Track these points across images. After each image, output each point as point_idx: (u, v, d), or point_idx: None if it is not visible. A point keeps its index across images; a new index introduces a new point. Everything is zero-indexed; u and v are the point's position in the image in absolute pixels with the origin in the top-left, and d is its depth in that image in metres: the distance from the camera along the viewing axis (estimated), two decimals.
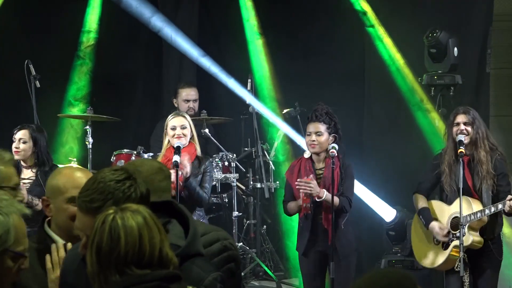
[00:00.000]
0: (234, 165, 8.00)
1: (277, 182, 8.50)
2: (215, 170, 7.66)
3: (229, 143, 8.52)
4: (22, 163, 6.81)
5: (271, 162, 8.45)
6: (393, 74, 8.90)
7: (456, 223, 6.25)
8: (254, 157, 8.47)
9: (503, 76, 8.58)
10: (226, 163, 8.01)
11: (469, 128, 6.32)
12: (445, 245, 6.37)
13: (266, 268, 8.04)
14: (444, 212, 6.40)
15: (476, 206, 6.19)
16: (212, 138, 8.07)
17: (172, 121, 6.87)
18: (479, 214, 6.15)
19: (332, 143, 6.28)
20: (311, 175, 6.27)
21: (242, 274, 7.52)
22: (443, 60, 7.64)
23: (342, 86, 9.07)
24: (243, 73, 8.82)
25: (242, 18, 9.53)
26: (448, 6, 8.74)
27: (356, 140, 8.82)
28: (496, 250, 6.32)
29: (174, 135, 6.78)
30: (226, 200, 8.26)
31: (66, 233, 3.40)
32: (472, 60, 8.55)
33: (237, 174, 8.04)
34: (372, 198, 8.15)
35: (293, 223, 8.54)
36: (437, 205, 6.49)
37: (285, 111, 8.92)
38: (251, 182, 8.41)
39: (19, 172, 6.81)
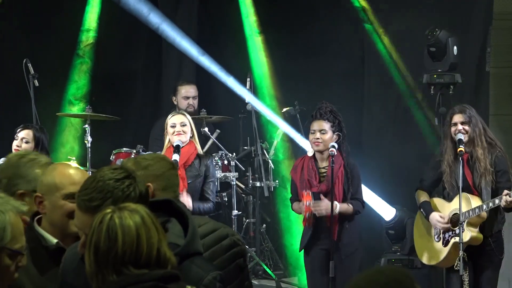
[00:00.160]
0: (234, 164, 8.00)
1: (277, 181, 8.50)
2: (215, 167, 7.66)
3: (228, 142, 8.51)
4: None
5: (270, 161, 8.45)
6: (391, 71, 8.90)
7: (456, 219, 6.26)
8: (253, 156, 8.47)
9: (503, 75, 8.58)
10: (226, 162, 8.02)
11: (466, 127, 6.34)
12: (445, 242, 6.38)
13: (265, 267, 8.04)
14: (445, 208, 6.42)
15: (475, 202, 6.21)
16: (211, 136, 8.07)
17: (172, 119, 6.88)
18: (477, 210, 6.16)
19: (336, 141, 6.29)
20: (309, 191, 6.27)
21: None
22: (442, 59, 7.62)
23: (342, 85, 9.07)
24: (243, 72, 8.82)
25: (241, 16, 9.53)
26: (448, 5, 8.74)
27: (356, 139, 8.81)
28: (496, 248, 6.32)
29: (173, 132, 6.78)
30: (226, 199, 8.26)
31: (60, 231, 3.36)
32: (471, 59, 8.55)
33: (237, 173, 8.04)
34: (371, 197, 8.15)
35: (292, 221, 8.55)
36: (438, 202, 6.51)
37: (284, 109, 8.91)
38: (251, 181, 8.41)
39: None
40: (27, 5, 9.20)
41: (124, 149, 7.81)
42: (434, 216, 6.41)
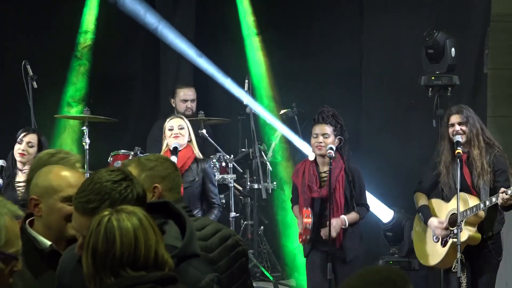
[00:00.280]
0: (232, 166, 8.00)
1: (275, 183, 8.50)
2: (213, 169, 7.66)
3: (226, 144, 8.51)
4: (19, 165, 6.82)
5: (268, 163, 8.44)
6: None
7: (454, 219, 6.26)
8: (251, 158, 8.46)
9: (501, 77, 8.59)
10: (224, 164, 8.02)
11: (464, 128, 6.34)
12: (444, 243, 6.38)
13: (263, 269, 8.04)
14: (443, 209, 6.42)
15: (473, 202, 6.21)
16: (210, 139, 8.07)
17: (170, 122, 6.91)
18: (474, 209, 6.16)
19: (338, 145, 6.30)
20: (309, 209, 6.29)
21: None
22: (440, 61, 7.63)
23: (340, 86, 9.07)
24: (241, 74, 8.82)
25: (239, 18, 9.53)
26: (446, 6, 8.74)
27: (354, 140, 8.79)
28: (495, 250, 6.31)
29: (171, 135, 6.81)
30: (224, 201, 8.25)
31: (57, 234, 3.34)
32: (469, 61, 8.55)
33: (235, 175, 8.05)
34: (369, 199, 8.13)
35: (290, 224, 8.54)
36: (437, 203, 6.51)
37: (282, 111, 8.91)
38: (248, 183, 8.41)
39: (13, 175, 6.81)
40: (25, 7, 9.19)
41: (122, 151, 7.80)
42: (433, 222, 6.40)
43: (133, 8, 8.94)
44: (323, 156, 6.35)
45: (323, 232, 6.24)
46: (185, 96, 8.66)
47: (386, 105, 9.05)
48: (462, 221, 6.19)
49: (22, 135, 6.81)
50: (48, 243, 3.32)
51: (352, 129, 8.77)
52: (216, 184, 7.05)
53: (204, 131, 8.05)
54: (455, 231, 6.19)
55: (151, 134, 8.42)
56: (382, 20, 9.03)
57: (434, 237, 6.46)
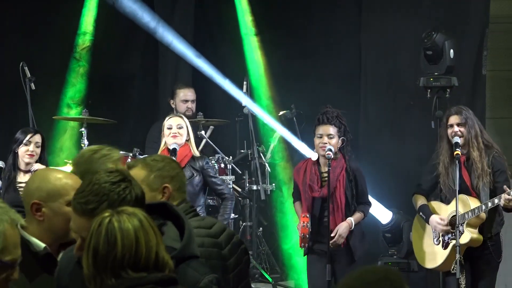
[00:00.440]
0: (230, 167, 8.00)
1: (273, 184, 8.50)
2: (211, 166, 7.66)
3: (225, 145, 8.51)
4: (22, 166, 6.83)
5: (267, 164, 8.45)
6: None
7: (454, 221, 6.25)
8: (250, 159, 8.46)
9: (499, 78, 8.59)
10: (222, 165, 8.02)
11: (462, 129, 6.34)
12: (445, 245, 6.37)
13: (262, 270, 8.04)
14: (443, 211, 6.42)
15: (474, 203, 6.21)
16: (208, 140, 8.07)
17: (169, 121, 6.94)
18: (476, 211, 6.16)
19: (341, 146, 6.31)
20: (307, 214, 6.34)
21: None
22: (439, 62, 7.63)
23: (339, 87, 9.06)
24: (239, 75, 8.82)
25: (238, 18, 9.53)
26: (444, 8, 8.74)
27: (352, 141, 8.79)
28: (495, 251, 6.31)
29: (169, 134, 6.83)
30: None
31: (60, 238, 3.31)
32: (468, 62, 8.55)
33: (233, 176, 8.05)
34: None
35: (289, 225, 8.54)
36: (436, 206, 6.51)
37: (281, 113, 8.91)
38: (247, 184, 8.41)
39: (13, 176, 6.82)
40: (23, 8, 9.18)
41: (121, 152, 7.77)
42: (434, 218, 6.40)
43: (132, 9, 8.94)
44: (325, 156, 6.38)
45: (333, 244, 6.26)
46: (185, 96, 8.67)
47: (384, 106, 9.05)
48: (463, 223, 6.19)
49: (29, 136, 6.83)
50: (42, 245, 3.27)
51: (351, 130, 8.72)
52: (219, 178, 7.12)
53: (203, 132, 8.06)
54: (456, 233, 6.19)
55: (150, 135, 8.43)
56: (381, 21, 9.03)
57: (435, 239, 6.45)
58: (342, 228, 6.28)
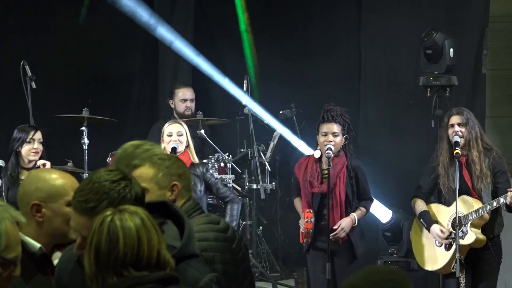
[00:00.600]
0: (230, 166, 8.00)
1: (273, 183, 8.50)
2: (211, 171, 7.67)
3: (225, 144, 8.51)
4: (25, 165, 6.85)
5: (267, 163, 8.45)
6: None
7: (457, 222, 6.24)
8: (250, 158, 8.46)
9: (499, 77, 8.60)
10: (222, 164, 8.02)
11: (463, 129, 6.35)
12: (448, 246, 6.37)
13: (262, 269, 8.04)
14: (444, 214, 6.41)
15: (477, 204, 6.21)
16: (208, 139, 8.08)
17: (169, 127, 6.94)
18: (481, 211, 6.16)
19: (344, 144, 6.33)
20: (311, 210, 6.34)
21: None
22: (439, 61, 7.63)
23: (338, 86, 9.07)
24: (239, 74, 8.82)
25: (237, 18, 9.53)
26: (444, 7, 8.74)
27: (352, 140, 8.81)
28: (495, 252, 6.32)
29: (170, 141, 6.86)
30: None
31: (57, 238, 3.30)
32: (468, 61, 8.55)
33: (233, 175, 8.05)
34: None
35: (289, 224, 8.54)
36: (436, 208, 6.49)
37: (281, 112, 8.91)
38: (247, 183, 8.41)
39: (17, 174, 6.83)
40: (24, 7, 9.19)
41: None
42: (435, 230, 6.38)
43: (132, 8, 8.94)
44: None
45: (333, 237, 6.27)
46: (184, 95, 8.68)
47: (384, 105, 9.05)
48: (467, 223, 6.19)
49: (31, 134, 6.84)
50: (38, 245, 3.26)
51: None
52: (219, 182, 7.13)
53: (202, 131, 8.06)
54: (458, 234, 6.19)
55: (150, 136, 8.43)
56: (381, 20, 9.04)
57: (437, 241, 6.44)
58: (346, 223, 6.30)
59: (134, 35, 9.57)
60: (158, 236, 2.63)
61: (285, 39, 9.45)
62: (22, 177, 6.80)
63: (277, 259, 8.52)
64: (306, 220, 6.32)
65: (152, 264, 2.59)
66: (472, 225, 6.22)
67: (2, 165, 6.89)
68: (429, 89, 7.62)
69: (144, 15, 8.97)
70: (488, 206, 6.15)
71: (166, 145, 6.88)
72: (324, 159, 6.43)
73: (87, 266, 2.60)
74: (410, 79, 8.29)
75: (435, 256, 6.46)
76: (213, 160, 7.88)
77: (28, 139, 6.83)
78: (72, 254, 3.03)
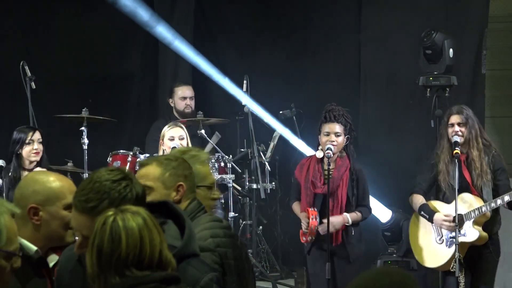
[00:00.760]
0: (230, 166, 8.00)
1: (273, 183, 8.51)
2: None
3: (225, 144, 8.52)
4: (27, 165, 6.85)
5: (267, 163, 8.45)
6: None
7: (460, 219, 6.24)
8: (250, 158, 8.47)
9: (499, 77, 8.60)
10: (222, 164, 8.02)
11: (463, 129, 6.36)
12: (449, 244, 6.37)
13: (262, 269, 8.04)
14: (445, 211, 6.40)
15: (477, 202, 6.22)
16: (208, 139, 8.08)
17: (170, 131, 6.94)
18: (484, 209, 6.17)
19: (345, 144, 6.32)
20: (314, 208, 6.32)
21: None
22: (438, 61, 7.64)
23: (338, 86, 9.07)
24: (239, 74, 8.82)
25: (237, 17, 9.53)
26: (444, 7, 8.75)
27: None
28: (494, 250, 6.34)
29: (171, 146, 6.88)
30: (222, 201, 8.26)
31: (53, 241, 3.29)
32: (467, 61, 8.56)
33: (233, 175, 8.05)
34: None
35: (289, 224, 8.54)
36: (437, 205, 6.50)
37: (281, 112, 8.92)
38: (247, 183, 8.41)
39: (19, 175, 6.83)
40: (24, 7, 9.19)
41: (121, 151, 7.80)
42: (439, 216, 6.38)
43: (132, 8, 8.94)
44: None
45: (321, 229, 6.26)
46: (184, 93, 8.70)
47: (384, 105, 9.05)
48: (470, 220, 6.21)
49: (30, 135, 6.84)
50: (34, 248, 3.22)
51: None
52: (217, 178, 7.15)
53: (203, 131, 8.07)
54: (461, 232, 6.20)
55: (150, 134, 8.44)
56: (380, 20, 9.04)
57: (438, 238, 6.45)
58: (336, 217, 6.26)
59: (134, 35, 9.57)
60: (160, 236, 2.64)
61: (285, 39, 9.45)
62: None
63: (277, 258, 8.53)
64: (311, 218, 6.29)
65: (154, 264, 2.60)
66: (474, 223, 6.24)
67: (2, 165, 6.89)
68: (428, 89, 7.63)
69: (144, 15, 8.97)
70: (492, 204, 6.17)
71: (167, 148, 6.90)
72: (325, 159, 6.43)
73: (89, 266, 2.61)
74: (409, 79, 8.29)
75: (434, 253, 6.47)
76: (213, 160, 7.89)
77: (27, 140, 6.83)
78: (72, 253, 3.04)
